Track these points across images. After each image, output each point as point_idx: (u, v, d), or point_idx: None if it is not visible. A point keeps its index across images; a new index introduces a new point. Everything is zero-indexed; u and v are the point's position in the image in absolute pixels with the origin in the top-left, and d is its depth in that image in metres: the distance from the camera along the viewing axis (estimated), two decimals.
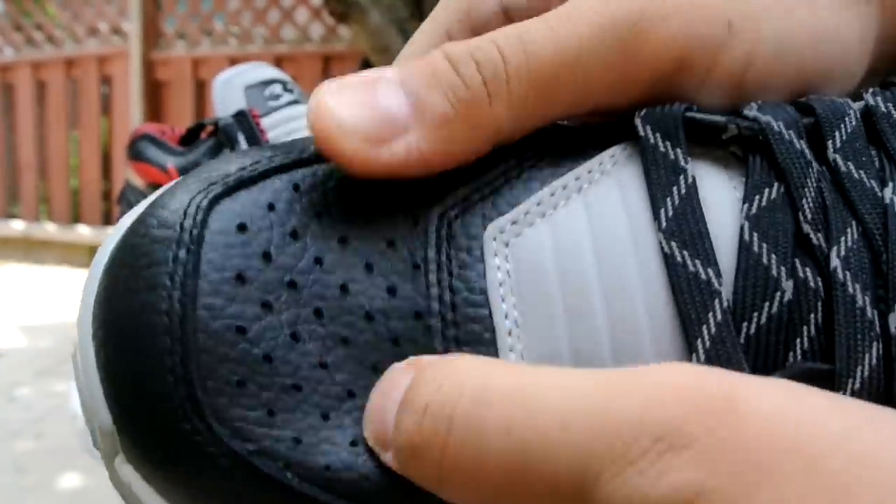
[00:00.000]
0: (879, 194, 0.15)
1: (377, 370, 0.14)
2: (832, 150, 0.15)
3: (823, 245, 0.14)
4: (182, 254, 0.13)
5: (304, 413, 0.13)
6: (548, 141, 0.16)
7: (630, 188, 0.15)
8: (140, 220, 0.14)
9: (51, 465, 1.35)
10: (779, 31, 0.16)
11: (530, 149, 0.16)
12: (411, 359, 0.14)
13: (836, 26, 0.17)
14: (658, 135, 0.15)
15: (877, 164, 0.15)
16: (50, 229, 2.78)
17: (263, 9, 2.41)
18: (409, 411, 0.13)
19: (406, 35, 1.41)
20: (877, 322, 0.14)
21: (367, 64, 1.51)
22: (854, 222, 0.14)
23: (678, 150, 0.15)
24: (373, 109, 0.14)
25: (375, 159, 0.14)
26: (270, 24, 2.40)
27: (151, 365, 0.13)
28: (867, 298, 0.14)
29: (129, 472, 0.14)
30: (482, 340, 0.14)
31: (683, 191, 0.15)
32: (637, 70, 0.16)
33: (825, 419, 0.12)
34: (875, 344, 0.13)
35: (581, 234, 0.15)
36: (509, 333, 0.14)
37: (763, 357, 0.14)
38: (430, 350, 0.14)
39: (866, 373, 0.13)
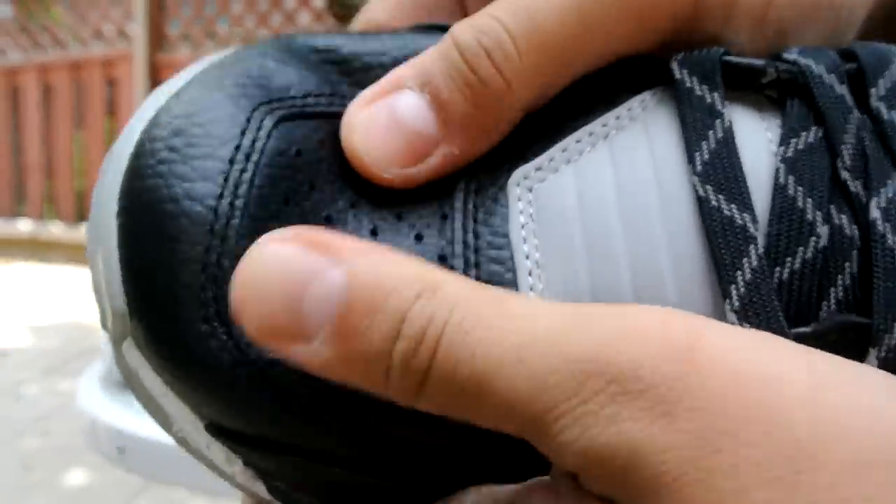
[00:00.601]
0: None
1: None
2: (875, 97, 0.14)
3: (862, 193, 0.14)
4: (240, 157, 0.14)
5: None
6: (576, 84, 0.16)
7: (659, 133, 0.15)
8: (206, 91, 0.14)
9: (57, 462, 1.37)
10: None
11: (558, 95, 0.16)
12: (322, 240, 0.12)
13: None
14: (695, 78, 0.15)
15: None
16: (56, 229, 2.80)
17: (266, 12, 2.42)
18: (379, 317, 0.12)
19: None
20: None
21: None
22: None
23: (715, 94, 0.15)
24: (403, 134, 0.15)
25: (416, 176, 0.15)
26: (273, 26, 2.42)
27: (183, 254, 0.13)
28: None
29: (135, 358, 0.14)
30: (503, 280, 0.14)
31: (720, 135, 0.14)
32: (654, 17, 0.15)
33: (793, 377, 0.11)
34: None
35: (605, 180, 0.15)
36: (530, 273, 0.14)
37: (796, 304, 0.13)
38: None
39: None
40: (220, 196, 0.13)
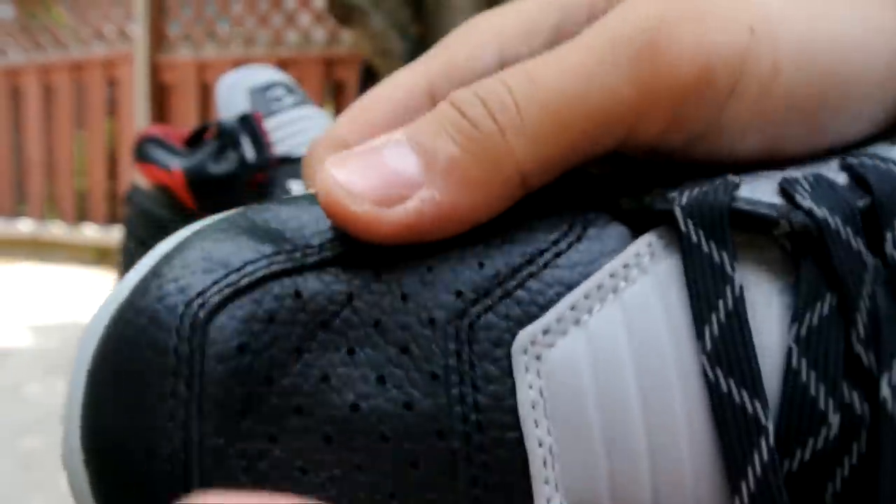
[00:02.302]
0: None
1: (395, 497, 0.12)
2: (891, 243, 0.13)
3: (874, 367, 0.13)
4: (182, 388, 0.12)
5: None
6: (575, 218, 0.14)
7: (671, 291, 0.13)
8: (129, 323, 0.13)
9: (58, 462, 1.36)
10: (800, 35, 0.15)
11: (557, 229, 0.14)
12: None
13: (860, 41, 0.15)
14: (702, 233, 0.13)
15: None
16: (56, 229, 2.80)
17: (267, 13, 2.42)
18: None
19: (407, 39, 1.42)
20: None
21: (368, 67, 1.52)
22: None
23: (724, 254, 0.13)
24: (381, 172, 0.14)
25: (389, 219, 0.13)
26: (274, 27, 2.42)
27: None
28: None
29: None
30: (514, 469, 0.13)
31: (731, 306, 0.13)
32: (656, 85, 0.14)
33: None
34: None
35: (620, 347, 0.13)
36: (544, 463, 0.13)
37: (804, 493, 0.13)
38: (455, 481, 0.12)
39: None
40: (171, 441, 0.12)
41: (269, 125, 0.48)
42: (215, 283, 0.13)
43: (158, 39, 2.57)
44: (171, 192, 0.49)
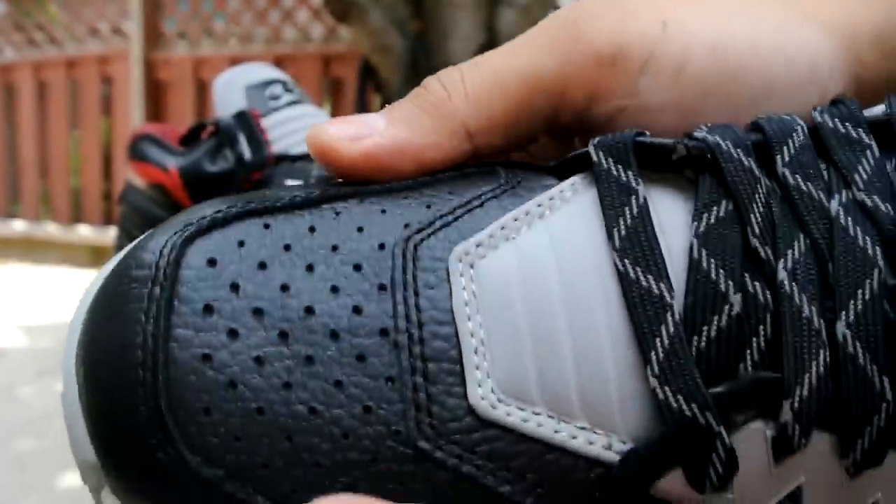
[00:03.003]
0: (826, 205, 0.15)
1: (342, 386, 0.14)
2: (781, 164, 0.15)
3: (772, 258, 0.14)
4: (157, 291, 0.14)
5: (269, 436, 0.14)
6: (511, 176, 0.17)
7: (589, 212, 0.16)
8: (121, 262, 0.15)
9: (51, 464, 1.36)
10: (715, 32, 0.18)
11: (493, 182, 0.17)
12: None
13: (780, 41, 0.18)
14: (611, 160, 0.16)
15: (825, 176, 0.15)
16: (51, 229, 2.79)
17: (264, 9, 2.41)
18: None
19: (406, 35, 1.41)
20: (824, 331, 0.14)
21: (367, 64, 1.51)
22: (801, 235, 0.15)
23: (629, 173, 0.16)
24: (356, 122, 0.17)
25: (352, 147, 0.17)
26: (271, 24, 2.41)
27: (126, 399, 0.14)
28: (814, 308, 0.14)
29: None
30: (449, 357, 0.14)
31: (636, 210, 0.15)
32: (576, 57, 0.17)
33: None
34: (822, 352, 0.14)
35: (544, 257, 0.15)
36: (475, 352, 0.14)
37: (714, 368, 0.14)
38: (398, 366, 0.14)
39: (814, 381, 0.14)
40: (143, 332, 0.14)
41: (267, 123, 0.47)
42: (198, 219, 0.15)
43: (154, 36, 2.56)
44: (166, 191, 0.48)
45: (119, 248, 0.52)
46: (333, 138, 0.17)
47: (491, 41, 1.38)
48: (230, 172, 0.46)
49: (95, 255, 2.67)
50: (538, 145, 0.19)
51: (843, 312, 0.14)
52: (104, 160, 2.71)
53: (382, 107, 0.18)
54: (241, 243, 0.15)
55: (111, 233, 2.63)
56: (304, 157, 0.47)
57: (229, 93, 0.48)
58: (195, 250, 0.15)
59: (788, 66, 0.18)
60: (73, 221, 2.79)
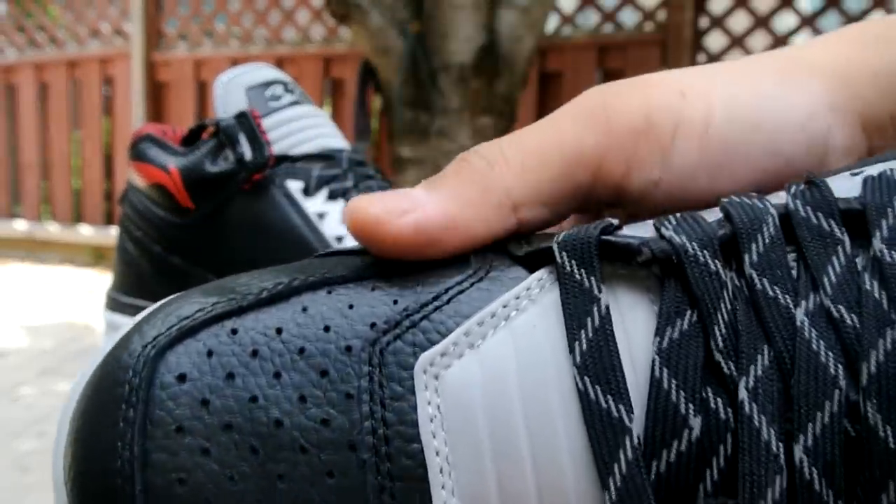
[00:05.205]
0: (792, 312, 0.15)
1: (313, 503, 0.14)
2: (749, 264, 0.15)
3: (734, 373, 0.14)
4: (131, 413, 0.14)
5: None
6: (481, 263, 0.17)
7: (552, 317, 0.15)
8: (102, 369, 0.15)
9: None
10: (726, 92, 0.19)
11: (462, 272, 0.16)
12: None
13: (782, 91, 0.19)
14: (574, 262, 0.16)
15: (794, 274, 0.15)
16: (52, 229, 2.79)
17: (264, 10, 2.41)
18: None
19: (406, 36, 1.41)
20: (782, 455, 0.14)
21: (367, 65, 1.51)
22: (766, 347, 0.14)
23: (592, 279, 0.15)
24: (395, 196, 0.17)
25: (394, 224, 0.16)
26: (271, 25, 2.41)
27: None
28: (773, 431, 0.14)
29: None
30: (415, 476, 0.14)
31: (597, 322, 0.15)
32: (614, 125, 0.18)
33: None
34: (778, 478, 0.14)
35: (508, 369, 0.15)
36: (440, 471, 0.14)
37: (674, 491, 0.14)
38: (365, 485, 0.14)
39: None
40: (121, 459, 0.14)
41: (267, 124, 0.47)
42: (169, 328, 0.15)
43: (155, 37, 2.56)
44: (167, 192, 0.48)
45: (120, 247, 0.52)
46: (380, 213, 0.16)
47: (491, 42, 1.39)
48: (231, 173, 0.46)
49: (97, 255, 2.67)
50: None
51: (802, 436, 0.14)
52: (105, 160, 2.71)
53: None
54: (210, 353, 0.15)
55: (112, 233, 2.63)
56: (305, 158, 0.48)
57: (230, 93, 0.48)
58: (166, 366, 0.15)
59: (791, 110, 0.19)
60: (74, 221, 2.79)
